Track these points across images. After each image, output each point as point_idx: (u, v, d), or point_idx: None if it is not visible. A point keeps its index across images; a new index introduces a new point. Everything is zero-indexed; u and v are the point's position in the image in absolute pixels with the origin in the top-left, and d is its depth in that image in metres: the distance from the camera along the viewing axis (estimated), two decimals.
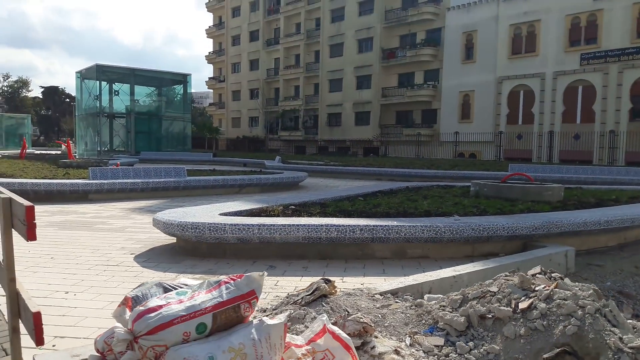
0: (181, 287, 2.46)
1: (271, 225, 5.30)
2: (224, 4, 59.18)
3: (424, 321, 3.21)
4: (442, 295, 3.71)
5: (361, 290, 3.78)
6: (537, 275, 3.29)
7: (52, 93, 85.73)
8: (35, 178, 11.21)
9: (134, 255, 5.67)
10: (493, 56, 33.33)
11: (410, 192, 9.34)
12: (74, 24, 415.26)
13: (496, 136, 32.51)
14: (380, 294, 3.73)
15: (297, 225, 5.30)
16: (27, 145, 29.77)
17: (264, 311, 3.33)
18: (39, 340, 2.43)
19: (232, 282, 2.35)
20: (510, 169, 16.93)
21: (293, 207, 6.68)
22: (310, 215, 6.16)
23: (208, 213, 6.13)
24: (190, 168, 15.79)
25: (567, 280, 3.18)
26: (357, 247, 5.46)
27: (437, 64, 38.10)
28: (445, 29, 36.74)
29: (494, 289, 3.17)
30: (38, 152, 36.56)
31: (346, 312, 3.13)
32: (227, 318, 2.24)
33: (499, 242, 5.66)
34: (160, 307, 2.18)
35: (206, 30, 63.16)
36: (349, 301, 3.44)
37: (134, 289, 2.57)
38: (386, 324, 3.18)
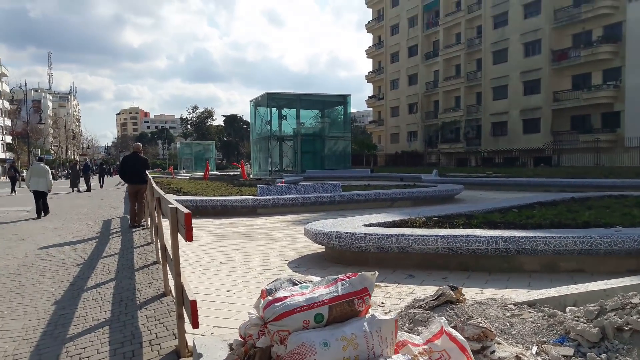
0: (305, 283, 2.79)
1: (409, 235, 5.42)
2: (383, 24, 60.68)
3: (555, 331, 3.06)
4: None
5: (494, 300, 3.71)
6: None
7: (232, 121, 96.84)
8: (214, 196, 12.91)
9: (287, 262, 6.27)
10: None
11: (574, 203, 8.59)
12: (248, 56, 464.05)
13: None
14: (515, 305, 3.62)
15: (436, 236, 5.34)
16: (209, 168, 34.13)
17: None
18: (194, 324, 2.97)
19: (347, 279, 2.60)
20: None
21: (436, 218, 6.69)
22: (453, 226, 6.11)
23: (353, 224, 6.48)
24: (347, 184, 16.52)
25: None
26: (502, 259, 5.27)
27: (618, 62, 33.90)
28: (627, 22, 32.58)
29: (636, 300, 2.90)
30: (220, 173, 41.53)
31: (467, 317, 3.13)
32: (342, 311, 2.49)
33: None
34: (285, 297, 2.53)
35: (366, 50, 65.39)
36: (477, 309, 3.42)
37: (270, 283, 2.97)
38: (513, 332, 3.10)
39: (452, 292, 3.40)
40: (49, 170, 13.67)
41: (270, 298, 2.56)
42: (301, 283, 2.85)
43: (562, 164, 34.54)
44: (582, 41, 36.50)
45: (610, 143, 33.34)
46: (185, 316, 3.27)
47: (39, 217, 12.93)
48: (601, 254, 4.99)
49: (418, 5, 54.04)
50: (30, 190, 13.23)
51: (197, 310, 2.98)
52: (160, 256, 5.79)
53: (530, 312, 3.42)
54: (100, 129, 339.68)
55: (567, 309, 3.63)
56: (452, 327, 2.86)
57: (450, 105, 50.03)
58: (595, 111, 35.69)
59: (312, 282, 2.85)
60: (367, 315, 2.51)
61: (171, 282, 4.67)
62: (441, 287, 3.49)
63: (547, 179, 18.25)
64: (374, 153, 54.40)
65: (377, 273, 2.62)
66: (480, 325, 2.82)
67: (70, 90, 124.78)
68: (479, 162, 43.61)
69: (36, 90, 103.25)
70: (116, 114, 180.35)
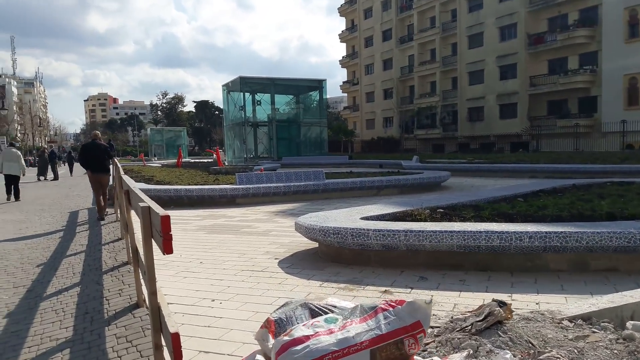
0: (330, 310, 2.06)
1: (419, 231, 4.74)
2: (356, 7, 59.57)
3: None
4: None
5: (542, 314, 3.06)
6: None
7: (203, 106, 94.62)
8: (189, 184, 12.01)
9: (278, 260, 5.53)
10: None
11: (579, 191, 8.07)
12: (217, 41, 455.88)
13: None
14: (569, 320, 2.97)
15: (451, 231, 4.67)
16: (182, 155, 32.91)
17: None
18: None
19: (391, 309, 1.88)
20: None
21: (441, 210, 6.03)
22: (463, 219, 5.46)
23: (349, 217, 5.78)
24: (328, 171, 15.80)
25: None
26: (525, 258, 4.65)
27: (594, 46, 33.84)
28: (603, 6, 32.51)
29: None
30: (193, 160, 40.14)
31: (531, 346, 2.48)
32: (389, 357, 1.78)
33: None
34: (308, 338, 1.79)
35: (339, 35, 64.18)
36: (529, 329, 2.77)
37: (277, 309, 2.23)
38: None
39: (501, 310, 2.71)
40: (21, 155, 14.19)
41: (286, 338, 1.82)
42: (321, 309, 2.12)
43: (540, 149, 34.51)
44: (558, 25, 36.31)
45: (587, 128, 33.40)
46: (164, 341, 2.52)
47: (9, 198, 13.46)
48: (639, 251, 4.41)
49: None
50: (4, 174, 13.55)
51: (180, 346, 2.22)
52: (131, 257, 4.96)
53: (594, 332, 2.79)
54: (68, 116, 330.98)
55: (629, 324, 3.00)
56: None
57: (425, 90, 49.56)
58: (572, 96, 35.69)
59: (335, 307, 2.12)
60: None
61: (144, 290, 3.90)
62: (486, 304, 2.81)
63: (533, 165, 17.89)
64: (351, 139, 53.67)
65: (432, 300, 1.92)
66: None
67: (36, 75, 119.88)
68: (456, 148, 43.38)
69: (0, 76, 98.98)
70: (84, 101, 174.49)
